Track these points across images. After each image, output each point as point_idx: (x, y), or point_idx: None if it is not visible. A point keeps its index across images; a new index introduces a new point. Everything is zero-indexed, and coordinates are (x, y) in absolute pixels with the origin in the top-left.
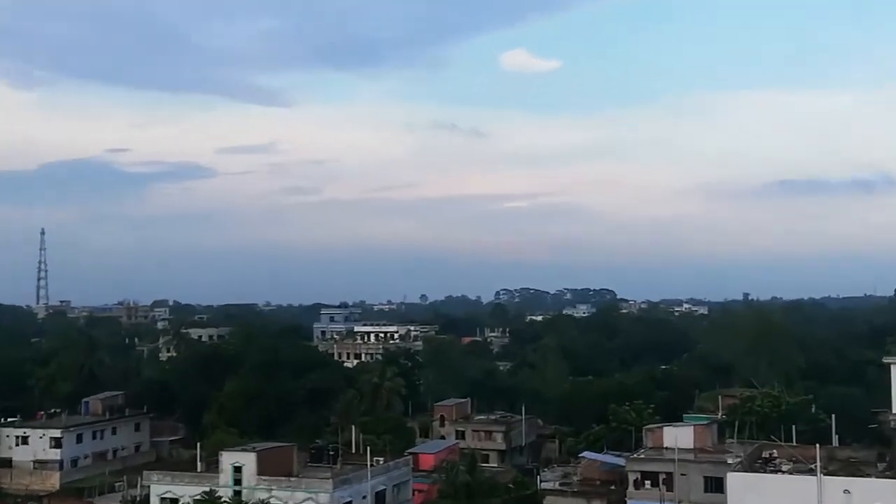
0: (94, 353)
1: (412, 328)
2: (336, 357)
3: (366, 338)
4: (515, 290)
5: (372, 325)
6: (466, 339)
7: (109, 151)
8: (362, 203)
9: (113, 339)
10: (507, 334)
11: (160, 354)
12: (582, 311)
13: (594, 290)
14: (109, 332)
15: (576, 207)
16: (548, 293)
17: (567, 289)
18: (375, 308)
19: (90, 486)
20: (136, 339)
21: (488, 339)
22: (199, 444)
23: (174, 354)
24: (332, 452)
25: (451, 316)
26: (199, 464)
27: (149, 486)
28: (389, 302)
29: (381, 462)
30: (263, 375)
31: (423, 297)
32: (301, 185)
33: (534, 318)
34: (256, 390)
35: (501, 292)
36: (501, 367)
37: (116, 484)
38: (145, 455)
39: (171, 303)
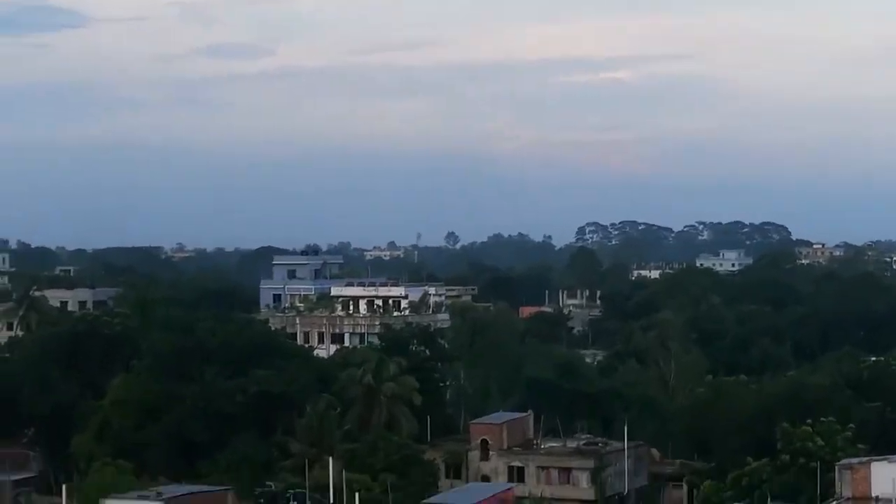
0: None
1: (432, 290)
2: (299, 340)
3: (351, 306)
4: (612, 225)
5: (362, 284)
6: (527, 310)
7: None
8: (341, 73)
9: None
10: (598, 301)
11: None
12: (731, 261)
13: (750, 225)
14: None
15: (716, 83)
16: (670, 231)
17: (703, 223)
18: (368, 255)
19: None
20: None
21: (565, 310)
22: (64, 487)
23: (19, 335)
24: (294, 502)
25: (499, 270)
26: None
27: None
28: (392, 245)
29: None
30: (175, 372)
31: (451, 236)
32: (236, 42)
33: (644, 272)
34: (163, 397)
35: (588, 229)
36: (588, 359)
37: None
38: None
39: (12, 244)
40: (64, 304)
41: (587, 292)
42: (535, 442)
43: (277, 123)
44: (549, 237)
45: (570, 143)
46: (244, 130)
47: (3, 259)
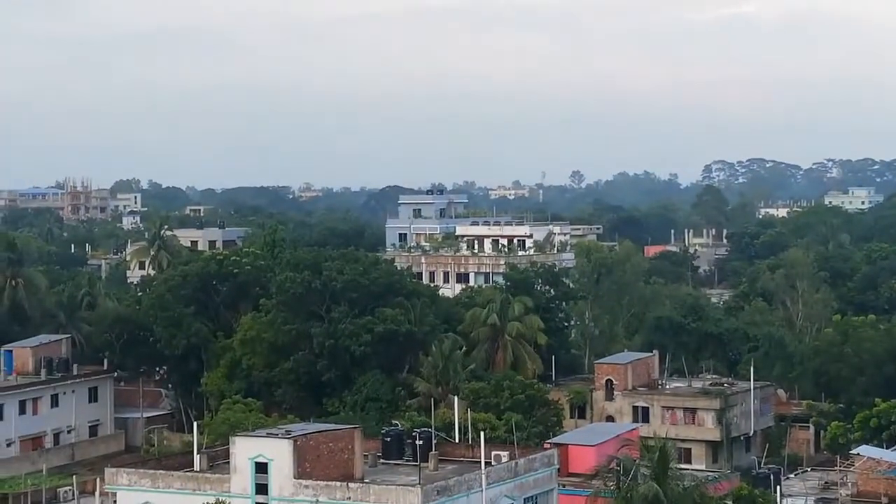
0: (18, 270)
1: (557, 229)
2: (425, 279)
3: (476, 245)
4: (739, 163)
5: (487, 223)
6: (652, 249)
7: None
8: (466, 9)
9: (48, 248)
10: (725, 240)
11: (128, 273)
12: (860, 199)
13: (881, 162)
14: (42, 236)
15: (849, 19)
16: (798, 169)
17: (832, 160)
18: (492, 194)
19: (16, 493)
20: (87, 247)
21: (691, 249)
22: (195, 425)
23: (152, 273)
24: (420, 441)
25: (624, 208)
26: (196, 458)
27: (114, 494)
28: (516, 184)
29: (505, 458)
30: (303, 311)
31: (576, 175)
32: None
33: (771, 211)
34: (291, 336)
35: (715, 167)
36: (714, 299)
37: (61, 489)
38: (107, 441)
39: (143, 185)
40: (194, 243)
41: (713, 231)
42: (660, 382)
43: (402, 63)
44: (675, 175)
45: (700, 82)
46: (368, 70)
47: (136, 199)
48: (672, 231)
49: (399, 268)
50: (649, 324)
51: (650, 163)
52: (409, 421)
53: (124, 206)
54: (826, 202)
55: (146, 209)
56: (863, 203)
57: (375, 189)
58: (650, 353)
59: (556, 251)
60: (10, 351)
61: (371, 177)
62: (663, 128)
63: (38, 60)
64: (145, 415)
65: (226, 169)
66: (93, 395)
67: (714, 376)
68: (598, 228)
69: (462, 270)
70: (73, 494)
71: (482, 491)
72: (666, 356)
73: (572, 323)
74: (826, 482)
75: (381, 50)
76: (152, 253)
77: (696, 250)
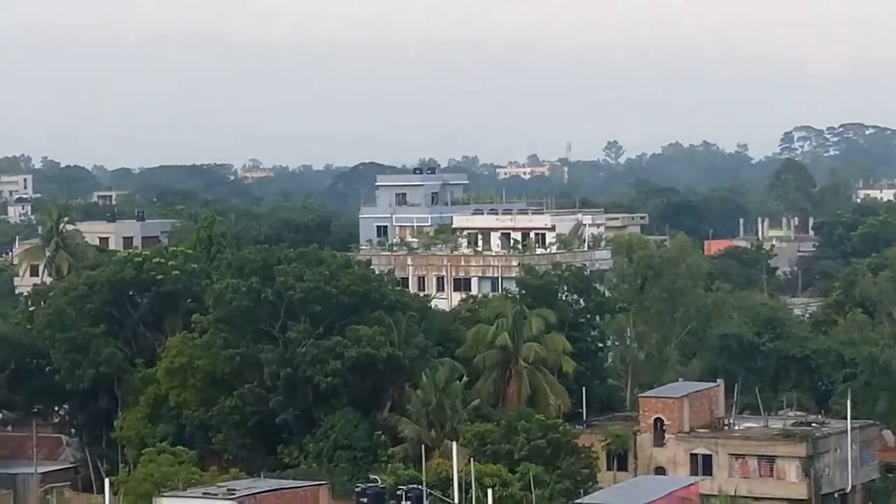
0: None
1: (588, 219)
2: (412, 286)
3: (480, 241)
4: (830, 129)
5: (494, 212)
6: (715, 245)
7: None
8: None
9: None
10: (812, 232)
11: (16, 281)
12: None
13: None
14: None
15: None
16: None
17: None
18: (501, 173)
19: None
20: None
21: (766, 245)
22: (107, 482)
23: (48, 281)
24: (407, 502)
25: (677, 191)
26: None
27: None
28: (533, 160)
29: None
30: (249, 330)
31: (613, 147)
32: None
33: (872, 192)
34: (234, 363)
35: (797, 136)
36: (798, 311)
37: None
38: None
39: (36, 164)
40: (104, 241)
41: (795, 220)
42: (726, 422)
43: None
44: (745, 147)
45: (773, 24)
46: (335, 8)
47: (24, 182)
48: (741, 221)
49: (378, 272)
50: (712, 344)
51: (711, 130)
52: (393, 475)
53: (10, 193)
54: None
55: (39, 196)
56: None
57: (345, 167)
58: (713, 384)
59: (586, 248)
60: None
61: (339, 151)
62: (728, 83)
63: None
64: (40, 469)
65: (145, 142)
66: None
67: (798, 413)
68: (642, 217)
69: (462, 275)
70: None
71: None
72: (734, 387)
73: (609, 343)
74: None
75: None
76: (48, 254)
77: (773, 246)
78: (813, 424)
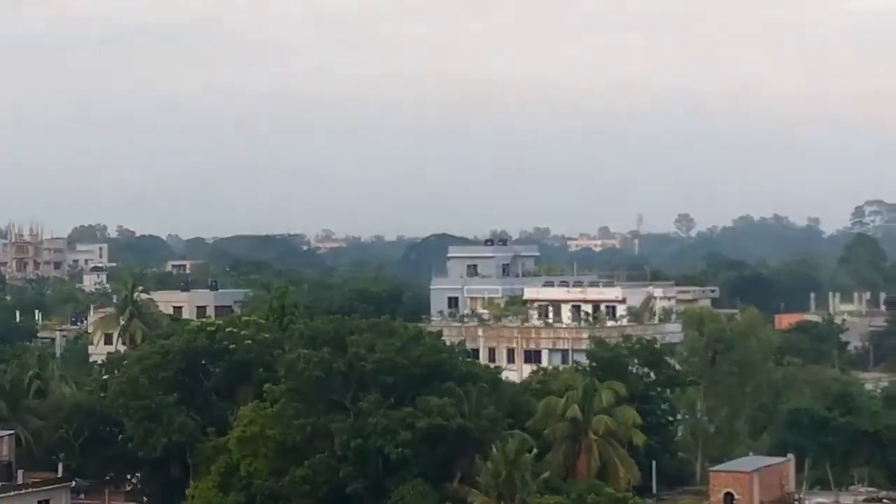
0: None
1: (658, 292)
2: (483, 358)
3: (551, 313)
4: None
5: (565, 284)
6: (786, 319)
7: None
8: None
9: None
10: (884, 307)
11: (91, 349)
12: None
13: None
14: None
15: None
16: None
17: None
18: (572, 245)
19: None
20: (36, 315)
21: (838, 319)
22: None
23: (122, 350)
24: None
25: (748, 264)
26: None
27: None
28: (604, 232)
29: None
30: (321, 400)
31: (683, 219)
32: None
33: None
34: (305, 432)
35: (869, 210)
36: (869, 386)
37: None
38: None
39: (111, 233)
40: (177, 309)
41: (867, 295)
42: (797, 497)
43: (452, 66)
44: (816, 220)
45: (850, 94)
46: (403, 76)
47: (100, 251)
48: (812, 295)
49: (449, 343)
50: (782, 418)
51: (782, 204)
52: None
53: (86, 261)
54: None
55: (114, 265)
56: None
57: (417, 238)
58: (784, 458)
59: (657, 321)
60: None
61: (411, 222)
62: (800, 156)
63: None
64: None
65: (219, 212)
66: None
67: (870, 489)
68: (713, 291)
69: (532, 347)
70: None
71: None
72: (805, 462)
73: (679, 417)
74: None
75: (426, 50)
76: (122, 323)
77: (844, 320)
78: (885, 500)
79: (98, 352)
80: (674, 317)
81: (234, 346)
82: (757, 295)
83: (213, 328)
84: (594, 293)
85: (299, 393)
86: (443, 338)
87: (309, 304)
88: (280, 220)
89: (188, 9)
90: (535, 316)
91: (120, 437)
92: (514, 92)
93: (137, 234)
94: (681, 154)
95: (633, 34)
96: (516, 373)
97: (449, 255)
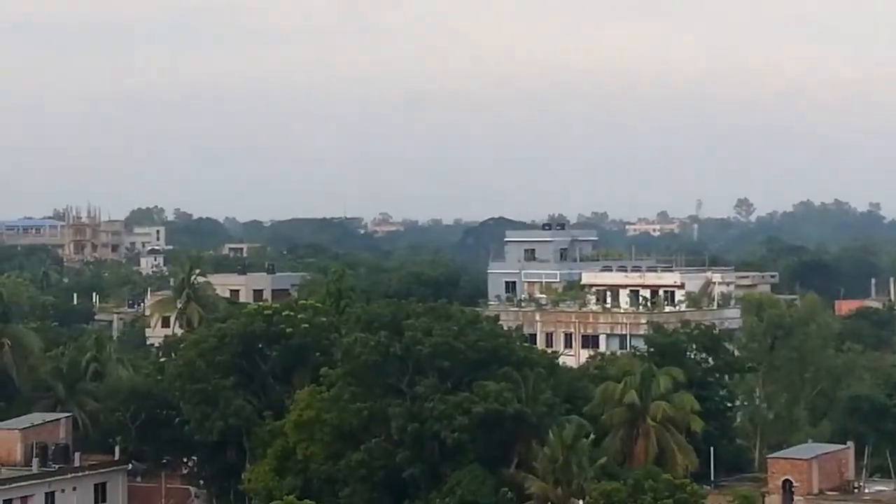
0: (4, 327)
1: (717, 277)
2: (540, 343)
3: (609, 298)
4: None
5: (623, 268)
6: (846, 305)
7: None
8: None
9: (44, 298)
10: None
11: (148, 332)
12: None
13: None
14: (36, 282)
15: None
16: None
17: None
18: (630, 230)
19: None
20: (94, 298)
21: None
22: None
23: (179, 333)
24: None
25: (808, 250)
26: None
27: None
28: (663, 217)
29: None
30: (378, 384)
31: (743, 205)
32: None
33: None
34: (362, 417)
35: None
36: None
37: None
38: None
39: (168, 216)
40: (234, 293)
41: None
42: (856, 485)
43: (514, 50)
44: (877, 205)
45: None
46: (461, 61)
47: (158, 234)
48: (873, 281)
49: (506, 328)
50: (842, 405)
51: (843, 189)
52: None
53: (143, 244)
54: None
55: (171, 248)
56: None
57: (474, 222)
58: (843, 446)
59: (716, 306)
60: None
61: (469, 206)
62: (860, 141)
63: (28, 48)
64: None
65: (276, 195)
66: (100, 494)
67: None
68: (772, 276)
69: (590, 332)
70: None
71: None
72: (865, 449)
73: (738, 403)
74: None
75: (488, 35)
76: (179, 306)
77: None
78: None
79: (155, 335)
80: (733, 302)
81: (290, 329)
82: (817, 281)
83: (269, 312)
84: (652, 278)
85: (356, 377)
86: (500, 322)
87: (365, 288)
88: (338, 203)
89: None
90: (593, 301)
91: (177, 420)
92: (571, 78)
93: (195, 217)
94: (739, 139)
95: (696, 21)
96: (574, 358)
97: (506, 239)
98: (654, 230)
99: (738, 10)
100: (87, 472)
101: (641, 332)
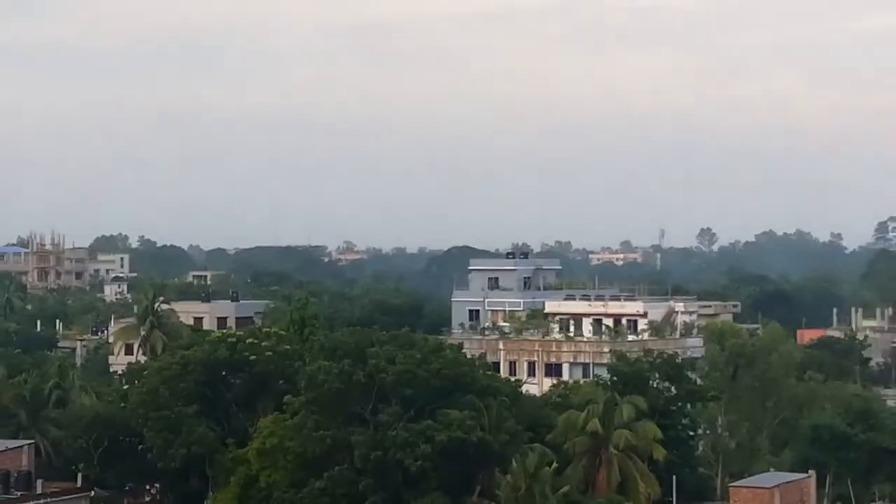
0: None
1: (680, 306)
2: (503, 371)
3: (572, 327)
4: None
5: (587, 297)
6: (808, 334)
7: None
8: (570, 15)
9: (6, 325)
10: None
11: (111, 359)
12: None
13: None
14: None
15: None
16: None
17: None
18: (594, 259)
19: None
20: (57, 325)
21: (860, 335)
22: None
23: (142, 360)
24: None
25: (770, 279)
26: None
27: None
28: (626, 246)
29: None
30: (340, 412)
31: (706, 234)
32: None
33: None
34: (325, 445)
35: (892, 226)
36: (890, 402)
37: None
38: None
39: (132, 243)
40: (198, 320)
41: (890, 311)
42: None
43: (477, 82)
44: (839, 236)
45: (877, 111)
46: (431, 91)
47: (122, 261)
48: (835, 310)
49: (469, 356)
50: (804, 434)
51: (804, 219)
52: None
53: (107, 271)
54: None
55: (135, 275)
56: None
57: (439, 251)
58: (805, 475)
59: (678, 335)
60: None
61: (432, 234)
62: (822, 172)
63: None
64: None
65: (240, 223)
66: None
67: None
68: (735, 305)
69: (553, 360)
70: None
71: None
72: (826, 478)
73: (700, 432)
74: None
75: (455, 65)
76: (143, 333)
77: (866, 336)
78: None
79: (118, 362)
80: (695, 331)
81: (254, 357)
82: (779, 310)
83: (233, 339)
84: (615, 307)
85: (319, 405)
86: (463, 350)
87: (329, 316)
88: (302, 231)
89: (203, 18)
90: (556, 329)
91: (140, 447)
92: (535, 107)
93: (159, 245)
94: (703, 169)
95: (663, 48)
96: (537, 386)
97: (470, 267)
98: (618, 259)
99: (705, 41)
100: (49, 500)
101: (604, 361)
